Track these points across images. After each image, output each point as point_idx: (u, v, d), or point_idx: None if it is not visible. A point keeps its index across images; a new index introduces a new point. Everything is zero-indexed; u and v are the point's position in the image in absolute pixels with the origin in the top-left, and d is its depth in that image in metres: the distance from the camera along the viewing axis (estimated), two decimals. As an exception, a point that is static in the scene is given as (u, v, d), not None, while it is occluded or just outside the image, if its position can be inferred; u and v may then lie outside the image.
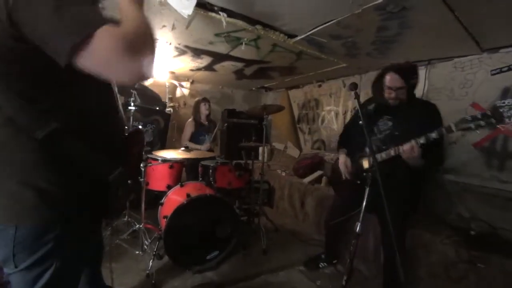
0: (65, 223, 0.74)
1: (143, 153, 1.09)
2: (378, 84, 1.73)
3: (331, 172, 2.15)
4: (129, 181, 0.84)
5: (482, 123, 1.21)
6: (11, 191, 0.68)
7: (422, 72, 2.57)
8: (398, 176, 1.59)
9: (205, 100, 3.34)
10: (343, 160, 1.87)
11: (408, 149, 1.41)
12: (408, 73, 1.63)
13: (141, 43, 0.62)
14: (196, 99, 3.43)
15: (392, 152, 1.54)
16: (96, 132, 0.78)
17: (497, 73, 2.07)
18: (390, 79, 1.63)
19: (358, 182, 1.75)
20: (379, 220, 1.79)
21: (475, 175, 2.18)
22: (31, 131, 0.66)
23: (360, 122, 1.67)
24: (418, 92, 2.55)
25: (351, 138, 1.94)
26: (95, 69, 0.59)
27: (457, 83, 2.34)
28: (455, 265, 1.74)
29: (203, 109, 3.30)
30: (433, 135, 1.37)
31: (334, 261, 2.18)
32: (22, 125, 0.66)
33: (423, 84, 2.54)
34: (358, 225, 1.18)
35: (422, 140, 1.41)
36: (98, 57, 0.58)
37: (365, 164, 1.71)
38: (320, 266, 2.14)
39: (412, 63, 1.79)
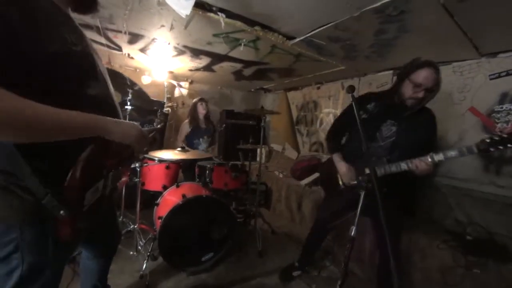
0: (28, 225, 0.71)
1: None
2: (402, 76, 1.49)
3: (323, 175, 1.99)
4: (61, 212, 0.70)
5: (501, 147, 1.18)
6: None
7: (420, 75, 2.57)
8: (394, 181, 1.55)
9: (202, 100, 3.28)
10: (344, 169, 1.64)
11: (425, 167, 1.33)
12: (439, 73, 1.44)
13: None
14: (194, 100, 3.39)
15: (404, 166, 1.39)
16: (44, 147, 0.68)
17: (496, 77, 2.07)
18: (426, 75, 1.40)
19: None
20: (374, 224, 1.78)
21: (473, 179, 2.18)
22: None
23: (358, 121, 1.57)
24: (417, 95, 2.56)
25: (348, 140, 1.80)
26: None
27: (455, 87, 2.34)
28: (452, 270, 1.73)
29: (201, 109, 3.26)
30: (452, 153, 1.29)
31: (306, 268, 2.11)
32: None
33: (422, 88, 2.54)
34: (353, 229, 1.17)
35: (439, 158, 1.32)
36: None
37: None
38: (294, 274, 2.05)
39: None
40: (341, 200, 1.71)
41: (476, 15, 1.52)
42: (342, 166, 1.67)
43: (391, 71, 2.82)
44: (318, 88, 3.93)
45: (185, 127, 3.28)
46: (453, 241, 1.87)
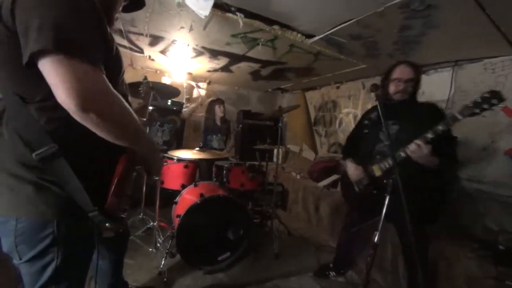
0: (63, 220, 0.74)
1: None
2: (384, 82, 1.67)
3: (343, 185, 2.10)
4: (107, 224, 0.76)
5: (485, 105, 1.22)
6: (11, 185, 0.70)
7: (448, 74, 2.44)
8: (414, 183, 1.50)
9: (219, 101, 3.31)
10: (351, 168, 1.77)
11: (415, 148, 1.35)
12: (417, 66, 1.60)
13: (111, 116, 0.67)
14: (210, 99, 3.40)
15: (402, 153, 1.43)
16: (91, 163, 0.75)
17: (533, 75, 1.92)
18: (400, 70, 1.58)
19: (374, 191, 1.64)
20: (398, 231, 1.71)
21: (506, 184, 2.03)
22: (31, 148, 0.67)
23: (366, 131, 1.75)
24: (444, 95, 2.44)
25: (357, 148, 1.86)
26: (49, 80, 0.61)
27: (486, 85, 2.19)
28: (480, 281, 1.62)
29: (218, 111, 3.29)
30: (440, 127, 1.32)
31: (342, 271, 2.11)
32: (24, 139, 0.68)
33: (450, 87, 2.41)
34: (377, 235, 1.12)
35: (430, 135, 1.34)
36: (56, 84, 0.60)
37: (376, 171, 1.64)
38: (330, 275, 2.08)
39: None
40: (363, 205, 1.78)
41: (510, 7, 1.41)
42: (350, 167, 1.79)
43: (415, 70, 2.69)
44: (338, 87, 3.84)
45: (201, 121, 3.30)
46: (483, 250, 1.75)
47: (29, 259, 0.73)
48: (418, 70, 1.60)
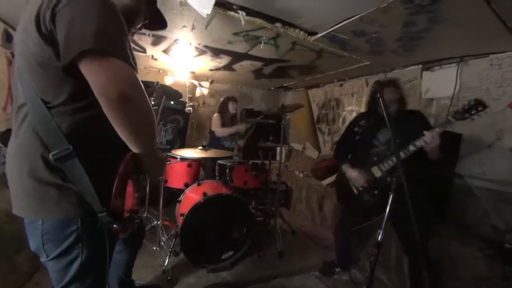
0: (85, 218, 0.76)
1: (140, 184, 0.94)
2: (373, 100, 1.83)
3: (338, 189, 2.09)
4: (115, 226, 0.76)
5: (473, 111, 1.42)
6: (35, 188, 0.73)
7: (453, 70, 2.40)
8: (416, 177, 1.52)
9: (233, 99, 3.31)
10: (355, 173, 1.78)
11: (430, 138, 1.46)
12: (399, 84, 1.77)
13: (136, 110, 0.70)
14: (224, 97, 3.37)
15: (411, 147, 1.52)
16: (102, 166, 0.75)
17: (540, 70, 1.88)
18: (388, 92, 1.70)
19: (376, 192, 1.71)
20: (398, 230, 1.70)
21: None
22: (47, 149, 0.71)
23: (358, 137, 1.88)
24: (448, 92, 2.41)
25: (351, 153, 1.94)
26: (88, 78, 0.66)
27: (493, 82, 2.15)
28: (487, 280, 1.61)
29: (231, 108, 3.28)
30: (437, 129, 1.48)
31: (346, 267, 2.10)
32: (44, 141, 0.71)
33: (454, 84, 2.37)
34: (380, 234, 1.11)
35: (438, 130, 1.48)
36: (100, 74, 0.65)
37: (376, 172, 1.71)
38: (335, 271, 2.09)
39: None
40: (361, 203, 1.80)
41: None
42: (353, 172, 1.80)
43: (419, 66, 2.65)
44: (341, 85, 3.81)
45: (218, 118, 3.27)
46: (490, 250, 1.73)
47: (55, 256, 0.76)
48: (400, 87, 1.78)
